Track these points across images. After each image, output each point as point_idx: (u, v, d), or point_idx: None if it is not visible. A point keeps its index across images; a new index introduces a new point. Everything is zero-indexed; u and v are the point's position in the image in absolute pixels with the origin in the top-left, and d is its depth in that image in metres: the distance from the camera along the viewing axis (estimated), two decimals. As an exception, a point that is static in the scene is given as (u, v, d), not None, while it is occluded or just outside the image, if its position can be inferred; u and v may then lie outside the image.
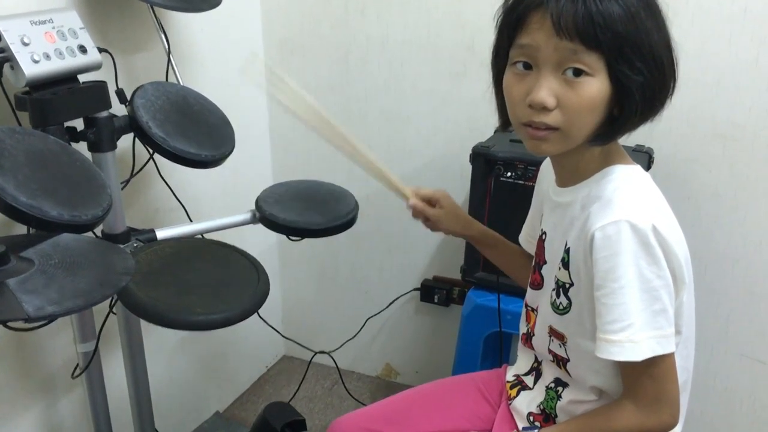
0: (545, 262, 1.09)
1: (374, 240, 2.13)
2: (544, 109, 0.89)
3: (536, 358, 1.19)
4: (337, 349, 2.21)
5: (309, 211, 1.48)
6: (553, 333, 1.07)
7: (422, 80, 1.89)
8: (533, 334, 1.14)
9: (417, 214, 1.27)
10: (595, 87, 0.88)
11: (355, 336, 2.19)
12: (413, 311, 2.17)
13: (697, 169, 1.67)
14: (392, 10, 1.86)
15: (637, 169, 0.99)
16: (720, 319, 1.76)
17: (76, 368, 1.38)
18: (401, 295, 2.14)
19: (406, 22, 1.85)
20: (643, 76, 0.87)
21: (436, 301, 2.06)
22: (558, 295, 1.03)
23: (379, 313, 2.16)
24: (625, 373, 0.97)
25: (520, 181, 1.57)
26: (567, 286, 1.00)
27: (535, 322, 1.14)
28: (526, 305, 1.18)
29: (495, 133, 1.73)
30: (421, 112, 1.92)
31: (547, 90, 0.88)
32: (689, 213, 1.70)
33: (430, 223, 1.28)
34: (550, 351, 1.09)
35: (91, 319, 1.36)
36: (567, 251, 0.99)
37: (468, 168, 1.63)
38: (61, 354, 1.50)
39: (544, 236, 1.10)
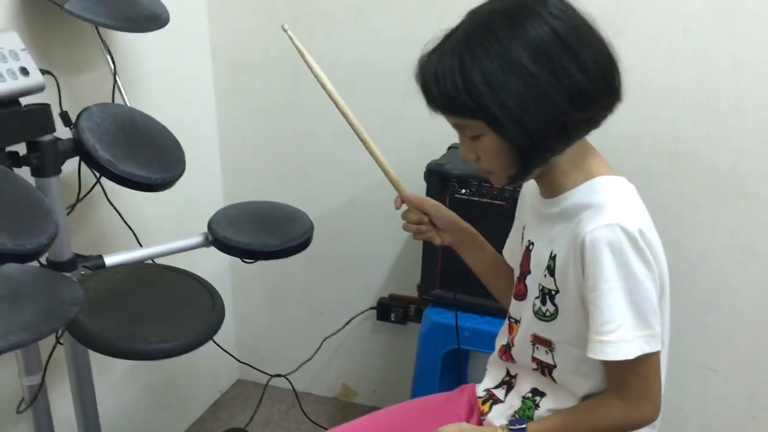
0: (530, 272, 1.11)
1: (329, 259, 2.11)
2: (473, 161, 1.01)
3: (508, 371, 1.20)
4: (293, 371, 2.18)
5: (263, 233, 1.46)
6: (538, 340, 1.09)
7: (373, 99, 1.89)
8: (513, 345, 1.15)
9: (417, 205, 1.21)
10: (489, 142, 0.95)
11: (311, 358, 2.16)
12: (370, 330, 2.16)
13: (644, 183, 1.68)
14: (341, 31, 1.86)
15: (623, 180, 1.03)
16: (672, 329, 1.79)
17: (21, 402, 1.32)
18: (357, 315, 2.12)
19: (355, 43, 1.86)
20: (517, 128, 0.91)
21: (392, 319, 2.05)
22: (543, 303, 1.05)
23: (335, 333, 2.13)
24: (613, 371, 1.00)
25: (475, 198, 1.58)
26: (553, 293, 1.03)
27: (516, 333, 1.15)
28: (510, 317, 1.19)
29: (448, 150, 1.74)
30: (373, 131, 1.89)
31: (465, 148, 1.01)
32: None
33: (424, 224, 1.22)
34: (534, 359, 1.11)
35: (37, 351, 1.30)
36: (553, 258, 1.02)
37: (422, 186, 1.63)
38: (5, 388, 1.43)
39: (531, 246, 1.11)
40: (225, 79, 2.03)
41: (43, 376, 1.31)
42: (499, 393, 1.19)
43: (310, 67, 1.17)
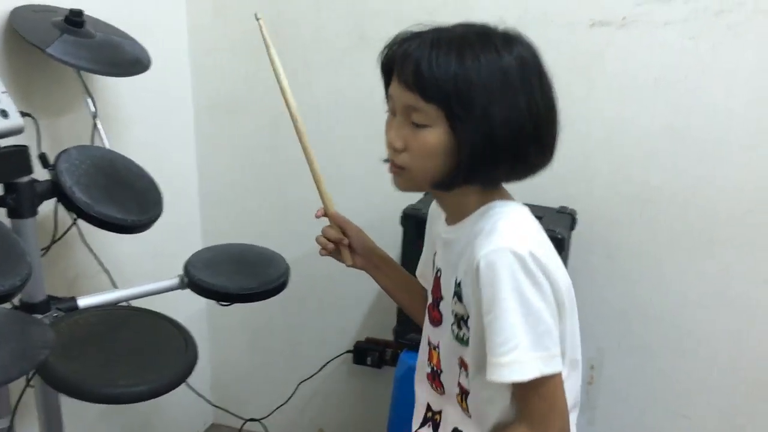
0: (442, 298, 1.12)
1: (306, 302, 2.11)
2: (396, 150, 1.00)
3: (429, 406, 1.20)
4: (268, 415, 2.15)
5: (239, 276, 1.46)
6: (463, 364, 1.09)
7: (352, 142, 1.92)
8: (441, 371, 1.15)
9: (340, 224, 1.27)
10: (433, 136, 0.95)
11: (286, 401, 2.14)
12: (346, 374, 2.15)
13: (618, 229, 1.74)
14: (322, 75, 1.89)
15: (515, 204, 1.05)
16: (646, 375, 1.81)
17: (-13, 447, 1.30)
18: (334, 358, 2.11)
19: (337, 87, 1.89)
20: (472, 134, 0.93)
21: (368, 363, 2.04)
22: (459, 328, 1.06)
23: (311, 377, 2.12)
24: (516, 394, 1.00)
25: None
26: (465, 318, 1.04)
27: (438, 359, 1.15)
28: (429, 343, 1.19)
29: (425, 195, 1.76)
30: (353, 175, 1.94)
31: (395, 133, 1.00)
32: (613, 272, 1.76)
33: (340, 246, 1.26)
34: (459, 384, 1.10)
35: (6, 393, 1.29)
36: (458, 284, 1.03)
37: (399, 229, 1.65)
38: (-28, 432, 1.41)
39: (439, 273, 1.13)
40: (205, 122, 2.04)
41: (12, 420, 1.29)
42: None
43: (272, 62, 1.22)
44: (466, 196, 1.03)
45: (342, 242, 1.25)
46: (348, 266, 1.28)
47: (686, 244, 1.69)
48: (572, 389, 1.07)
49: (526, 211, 1.05)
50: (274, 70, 1.20)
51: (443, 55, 0.92)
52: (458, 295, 1.03)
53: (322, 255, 1.28)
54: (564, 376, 1.00)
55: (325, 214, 1.26)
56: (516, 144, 0.95)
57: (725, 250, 1.67)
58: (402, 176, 1.02)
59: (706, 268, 1.69)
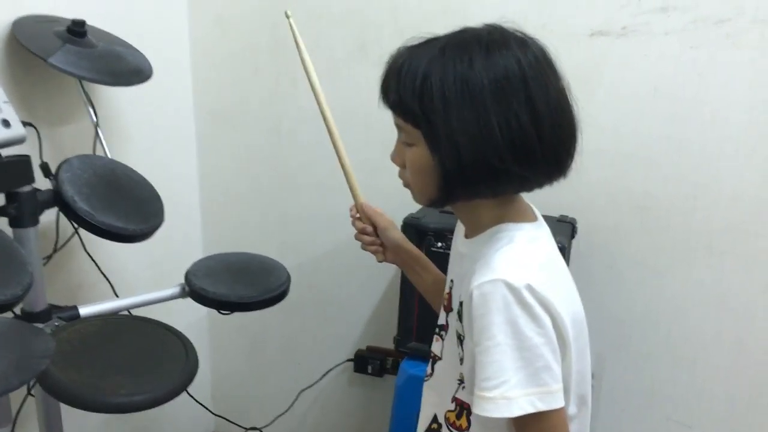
0: (451, 310, 1.08)
1: (306, 310, 2.11)
2: (401, 167, 1.02)
3: (436, 418, 1.16)
4: (269, 424, 2.15)
5: (240, 284, 1.46)
6: (461, 381, 1.05)
7: (354, 151, 1.90)
8: (432, 373, 1.14)
9: (369, 216, 1.27)
10: (415, 154, 0.96)
11: (287, 410, 2.14)
12: (347, 382, 2.15)
13: (618, 238, 1.74)
14: (323, 83, 1.89)
15: (526, 227, 1.00)
16: (645, 383, 1.81)
17: (-12, 456, 1.30)
18: (335, 366, 2.11)
19: (337, 95, 1.89)
20: (440, 152, 0.92)
21: (369, 371, 2.04)
22: (457, 346, 1.02)
23: (312, 385, 2.12)
24: (515, 428, 0.95)
25: (450, 252, 1.59)
26: (462, 338, 1.00)
27: (433, 370, 1.14)
28: (433, 354, 1.16)
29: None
30: (352, 183, 1.94)
31: (394, 151, 1.02)
32: (613, 280, 1.76)
33: (369, 235, 1.27)
34: (454, 399, 1.07)
35: (7, 402, 1.29)
36: (461, 304, 0.99)
37: (399, 239, 1.65)
38: (-28, 441, 1.41)
39: (452, 284, 1.10)
40: (207, 130, 2.05)
41: (13, 428, 1.29)
42: None
43: (302, 60, 1.23)
44: (476, 209, 1.00)
45: (366, 231, 1.27)
46: (379, 261, 1.28)
47: (685, 252, 1.69)
48: (582, 426, 1.05)
49: (540, 235, 1.01)
50: (305, 67, 1.23)
51: (413, 71, 0.91)
52: (459, 314, 1.00)
53: (363, 250, 1.30)
54: (573, 413, 0.97)
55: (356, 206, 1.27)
56: (490, 161, 0.90)
57: (724, 258, 1.67)
58: (411, 192, 1.02)
59: (705, 276, 1.69)
